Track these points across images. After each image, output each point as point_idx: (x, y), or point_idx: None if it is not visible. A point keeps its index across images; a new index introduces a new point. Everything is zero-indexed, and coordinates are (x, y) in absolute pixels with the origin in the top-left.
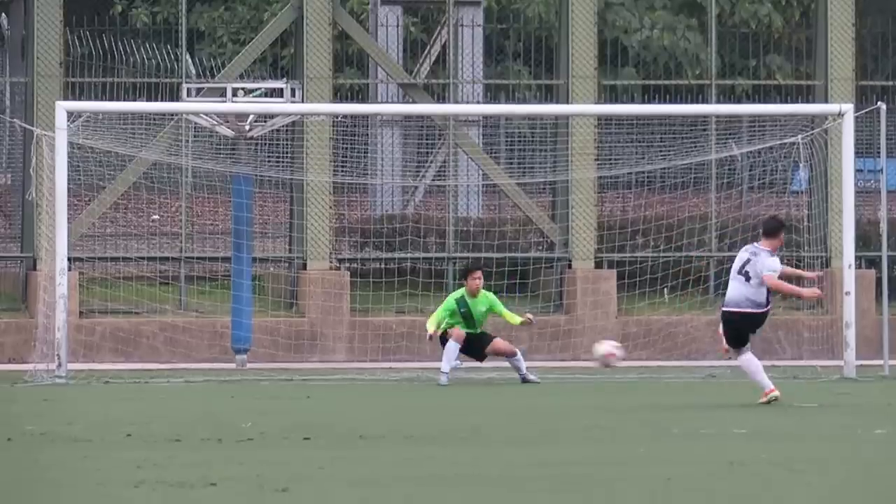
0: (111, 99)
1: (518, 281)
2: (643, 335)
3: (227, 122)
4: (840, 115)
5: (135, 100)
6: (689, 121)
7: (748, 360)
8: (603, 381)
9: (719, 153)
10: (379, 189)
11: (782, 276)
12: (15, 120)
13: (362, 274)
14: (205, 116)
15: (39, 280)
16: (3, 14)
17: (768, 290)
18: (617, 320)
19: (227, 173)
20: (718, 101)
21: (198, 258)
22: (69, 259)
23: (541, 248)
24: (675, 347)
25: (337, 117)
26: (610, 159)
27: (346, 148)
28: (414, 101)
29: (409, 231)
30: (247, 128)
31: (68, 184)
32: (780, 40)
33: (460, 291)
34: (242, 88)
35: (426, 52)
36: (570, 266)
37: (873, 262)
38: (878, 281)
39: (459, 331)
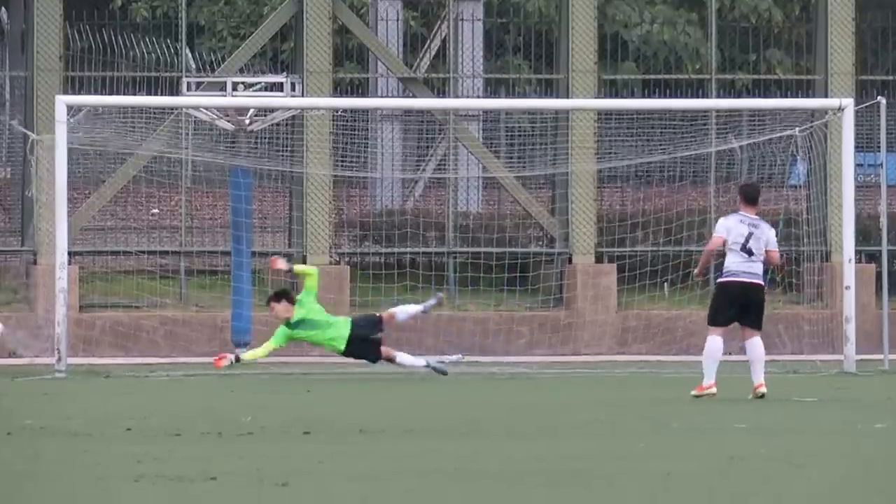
0: (111, 93)
1: (518, 275)
2: (643, 329)
3: (227, 116)
4: (840, 109)
5: (135, 94)
6: (689, 115)
7: (715, 341)
8: (603, 375)
9: (718, 147)
10: (379, 183)
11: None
12: (14, 122)
13: (362, 268)
14: (205, 110)
15: (39, 274)
16: (3, 8)
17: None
18: (617, 314)
19: (227, 167)
20: (718, 96)
21: (198, 252)
22: (69, 253)
23: (541, 242)
24: (674, 342)
25: (337, 111)
26: (610, 154)
27: (346, 142)
28: (414, 96)
29: (409, 225)
30: (247, 122)
31: (68, 178)
32: (780, 35)
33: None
34: (242, 82)
35: (426, 46)
36: (570, 261)
37: (873, 257)
38: (878, 275)
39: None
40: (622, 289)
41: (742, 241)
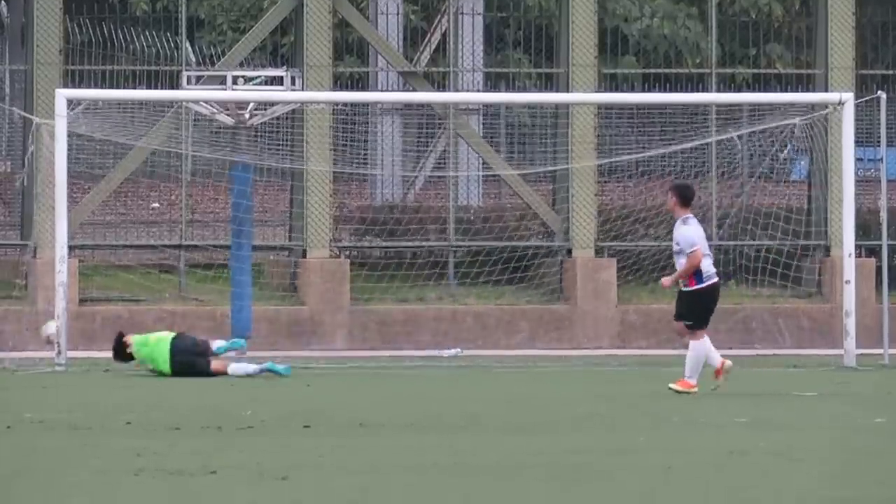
0: (111, 87)
1: (519, 270)
2: (643, 324)
3: (227, 110)
4: (840, 103)
5: (134, 88)
6: (690, 109)
7: (706, 341)
8: (603, 369)
9: (718, 137)
10: (379, 177)
11: None
12: (14, 108)
13: (362, 262)
14: (205, 104)
15: (38, 267)
16: (3, 2)
17: None
18: (617, 309)
19: (227, 161)
20: (718, 90)
21: (198, 246)
22: (69, 247)
23: (541, 236)
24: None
25: (337, 105)
26: (610, 148)
27: (346, 136)
28: (414, 90)
29: (410, 219)
30: (247, 116)
31: (68, 171)
32: (780, 29)
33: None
34: (242, 76)
35: (426, 40)
36: (570, 255)
37: (873, 251)
38: (878, 270)
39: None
40: (622, 283)
41: (706, 243)
